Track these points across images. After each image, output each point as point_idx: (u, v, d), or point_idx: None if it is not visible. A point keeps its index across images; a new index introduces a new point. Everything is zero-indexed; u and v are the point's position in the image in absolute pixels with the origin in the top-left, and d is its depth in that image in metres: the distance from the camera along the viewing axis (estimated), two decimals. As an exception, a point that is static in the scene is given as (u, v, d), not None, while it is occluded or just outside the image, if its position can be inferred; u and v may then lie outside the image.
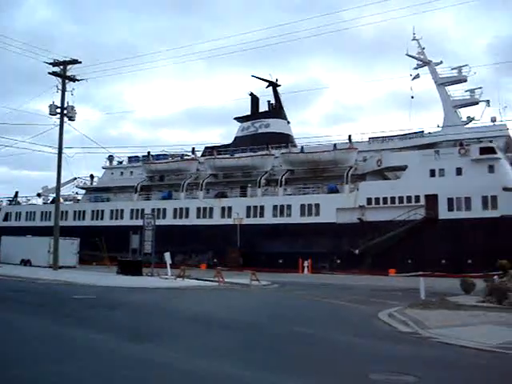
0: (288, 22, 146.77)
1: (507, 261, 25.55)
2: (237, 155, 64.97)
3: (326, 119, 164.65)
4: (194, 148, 69.99)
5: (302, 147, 62.57)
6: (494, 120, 52.67)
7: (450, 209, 49.93)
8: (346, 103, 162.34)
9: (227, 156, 65.72)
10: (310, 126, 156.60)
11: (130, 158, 74.08)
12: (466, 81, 56.20)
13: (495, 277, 23.47)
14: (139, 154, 72.80)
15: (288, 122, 71.29)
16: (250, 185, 62.57)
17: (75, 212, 71.04)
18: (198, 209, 62.65)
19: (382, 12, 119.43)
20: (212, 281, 33.32)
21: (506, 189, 47.89)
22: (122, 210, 67.59)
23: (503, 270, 24.55)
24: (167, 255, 38.06)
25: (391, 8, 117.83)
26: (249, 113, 72.71)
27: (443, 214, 49.94)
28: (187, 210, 63.30)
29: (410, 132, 57.53)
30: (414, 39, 57.80)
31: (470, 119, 55.56)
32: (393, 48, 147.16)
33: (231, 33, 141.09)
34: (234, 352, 11.12)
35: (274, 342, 12.77)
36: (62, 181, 49.88)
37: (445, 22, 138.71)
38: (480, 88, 55.65)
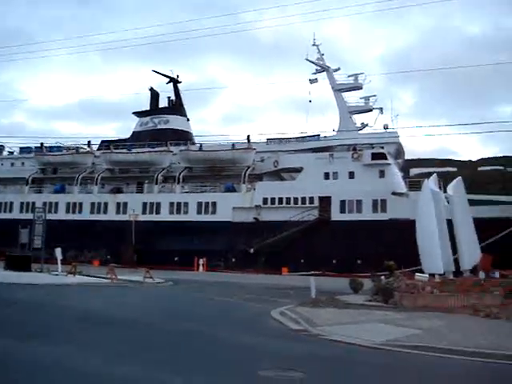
0: (188, 19, 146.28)
1: (393, 262, 26.68)
2: (134, 150, 63.68)
3: (224, 118, 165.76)
4: (89, 141, 68.09)
5: (201, 145, 62.42)
6: (386, 127, 54.64)
7: (342, 211, 51.58)
8: (245, 104, 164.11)
9: (124, 151, 64.20)
10: (209, 125, 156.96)
11: (21, 148, 70.53)
12: (361, 88, 58.02)
13: (382, 277, 24.41)
14: (32, 145, 69.91)
15: (188, 120, 70.85)
16: (147, 181, 61.57)
17: (-41, 204, 67.21)
18: (92, 204, 60.97)
19: (282, 16, 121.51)
20: (104, 278, 32.52)
21: (394, 193, 50.25)
22: (12, 203, 64.53)
23: (390, 270, 25.62)
24: (58, 251, 36.78)
25: (291, 13, 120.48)
26: (148, 108, 71.60)
27: (336, 215, 51.50)
28: (81, 204, 61.38)
29: (306, 135, 58.69)
30: (313, 45, 58.91)
31: (364, 125, 57.52)
32: (292, 52, 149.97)
33: (130, 26, 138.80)
34: (123, 350, 10.94)
35: (165, 340, 12.67)
36: None
37: (342, 31, 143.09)
38: (374, 96, 57.56)
